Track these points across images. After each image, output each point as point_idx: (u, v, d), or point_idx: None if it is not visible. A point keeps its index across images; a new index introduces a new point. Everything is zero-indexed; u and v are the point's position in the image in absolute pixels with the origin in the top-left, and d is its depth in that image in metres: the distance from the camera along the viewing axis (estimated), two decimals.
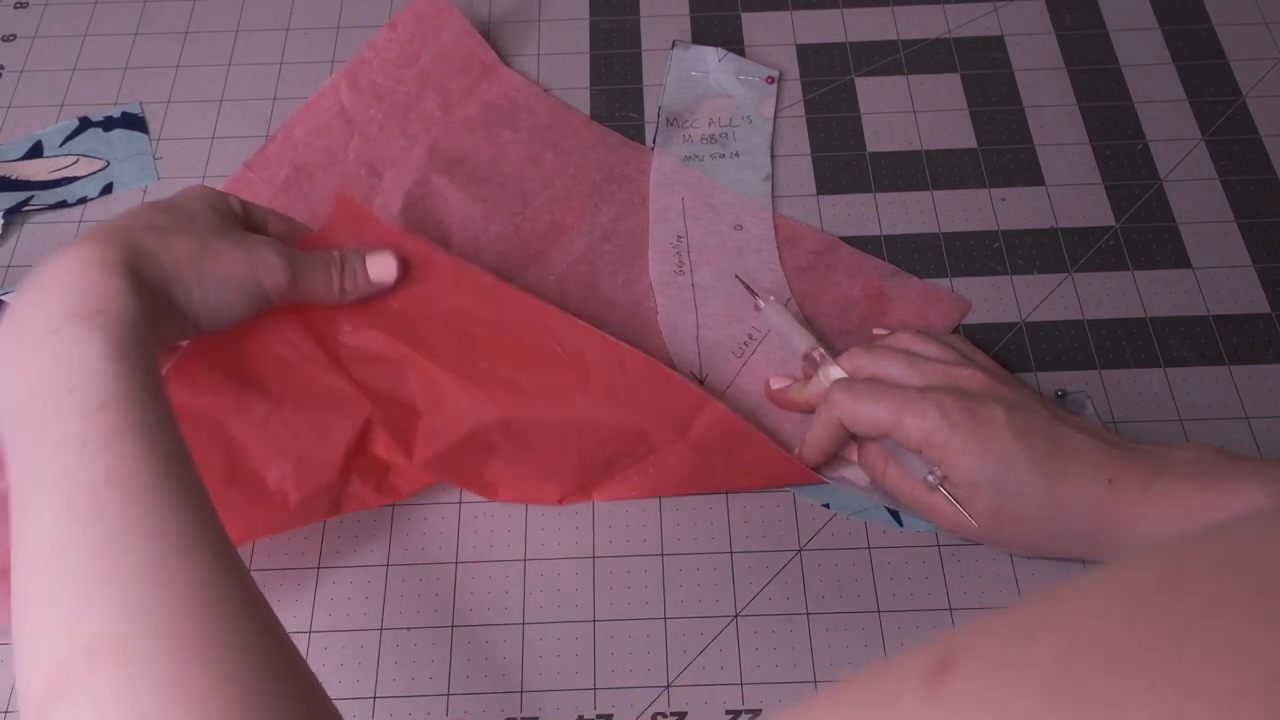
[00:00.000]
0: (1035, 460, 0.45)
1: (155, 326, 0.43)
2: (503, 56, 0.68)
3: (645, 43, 0.69)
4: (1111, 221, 0.61)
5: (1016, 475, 0.45)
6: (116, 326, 0.40)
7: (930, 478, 0.47)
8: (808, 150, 0.64)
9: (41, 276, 0.42)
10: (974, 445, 0.46)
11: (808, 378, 0.53)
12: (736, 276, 0.57)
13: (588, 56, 0.69)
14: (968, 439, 0.46)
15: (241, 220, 0.50)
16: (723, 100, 0.66)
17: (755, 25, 0.70)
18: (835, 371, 0.51)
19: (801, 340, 0.53)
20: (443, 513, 0.53)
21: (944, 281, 0.59)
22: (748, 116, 0.65)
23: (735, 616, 0.50)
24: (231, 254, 0.47)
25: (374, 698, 0.48)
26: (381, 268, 0.52)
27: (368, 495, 0.51)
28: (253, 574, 0.38)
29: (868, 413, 0.48)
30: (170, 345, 0.49)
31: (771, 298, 0.55)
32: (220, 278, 0.46)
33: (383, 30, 0.66)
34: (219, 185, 0.61)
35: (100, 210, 0.62)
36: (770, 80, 0.67)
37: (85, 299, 0.41)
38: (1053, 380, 0.56)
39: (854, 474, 0.53)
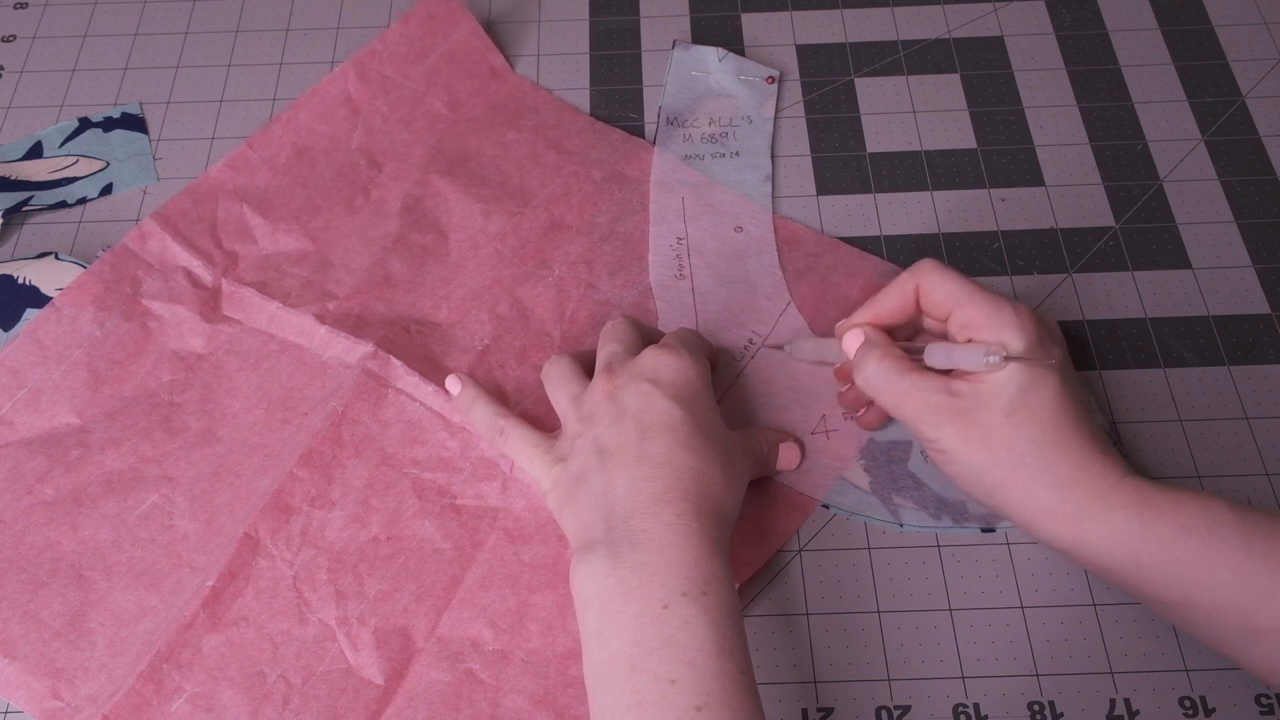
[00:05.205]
0: (1067, 392, 0.45)
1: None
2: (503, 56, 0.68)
3: (645, 43, 0.69)
4: (1111, 222, 0.61)
5: (1051, 382, 0.45)
6: (718, 611, 0.41)
7: (990, 358, 0.45)
8: (808, 150, 0.64)
9: (651, 539, 0.42)
10: (1026, 346, 0.45)
11: (847, 377, 0.53)
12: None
13: (588, 56, 0.69)
14: (1022, 337, 0.46)
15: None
16: (723, 100, 0.66)
17: (755, 25, 0.70)
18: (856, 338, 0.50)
19: (833, 347, 0.52)
20: None
21: None
22: (748, 116, 0.65)
23: None
24: (746, 470, 0.49)
25: None
26: (788, 456, 0.53)
27: None
28: None
29: (952, 278, 0.47)
30: None
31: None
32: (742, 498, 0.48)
33: (395, 24, 0.66)
34: (218, 165, 0.61)
35: (100, 211, 0.62)
36: (770, 80, 0.67)
37: (695, 575, 0.41)
38: None
39: (854, 474, 0.53)
